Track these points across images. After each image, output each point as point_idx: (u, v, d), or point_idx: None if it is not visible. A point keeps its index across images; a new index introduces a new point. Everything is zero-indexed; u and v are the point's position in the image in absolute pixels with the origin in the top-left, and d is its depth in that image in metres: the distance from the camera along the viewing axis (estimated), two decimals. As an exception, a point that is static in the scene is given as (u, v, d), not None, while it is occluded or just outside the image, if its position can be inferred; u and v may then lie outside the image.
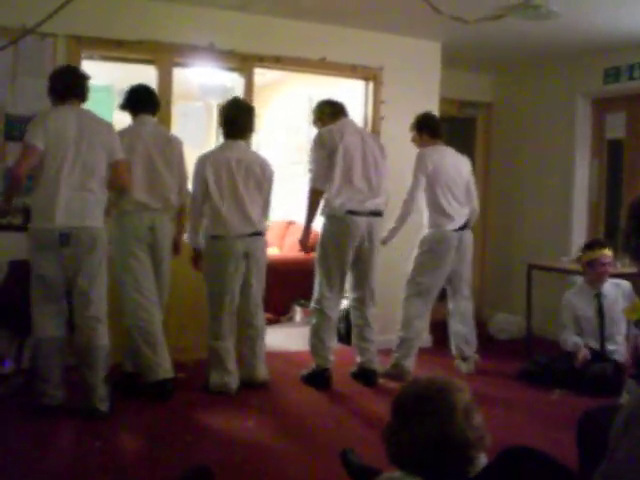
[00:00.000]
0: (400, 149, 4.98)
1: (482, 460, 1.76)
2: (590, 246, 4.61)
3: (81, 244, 3.52)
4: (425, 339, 5.53)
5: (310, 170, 4.38)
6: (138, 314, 3.95)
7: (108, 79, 5.72)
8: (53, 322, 3.57)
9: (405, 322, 4.62)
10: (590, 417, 2.21)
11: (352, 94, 5.59)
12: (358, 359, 4.50)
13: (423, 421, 1.69)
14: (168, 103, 4.69)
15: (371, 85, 5.35)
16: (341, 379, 4.47)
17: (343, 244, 4.29)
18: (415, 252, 4.65)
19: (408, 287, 4.65)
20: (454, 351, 4.80)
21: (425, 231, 4.64)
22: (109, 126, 3.75)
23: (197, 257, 4.18)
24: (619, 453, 1.33)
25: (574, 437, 2.24)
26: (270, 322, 6.01)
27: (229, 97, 4.49)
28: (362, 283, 4.45)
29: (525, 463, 1.75)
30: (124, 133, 3.98)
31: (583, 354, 4.39)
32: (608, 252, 4.47)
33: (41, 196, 3.50)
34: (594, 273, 4.53)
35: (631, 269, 5.03)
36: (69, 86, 3.66)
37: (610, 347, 4.50)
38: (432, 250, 4.57)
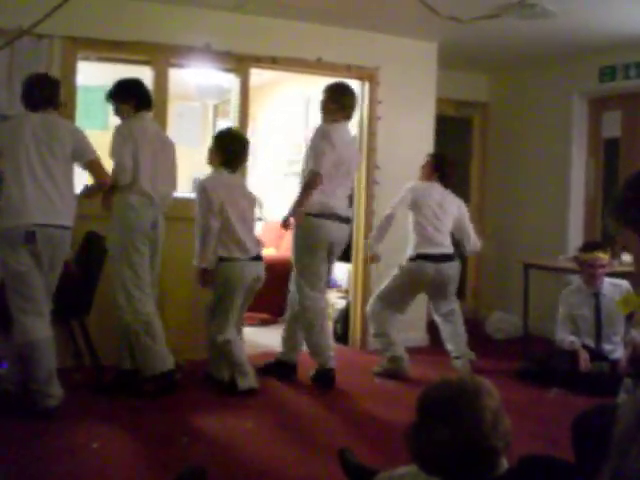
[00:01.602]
0: (396, 149, 4.99)
1: (503, 463, 1.73)
2: (584, 247, 4.61)
3: (47, 242, 3.54)
4: (422, 339, 5.55)
5: (317, 155, 4.28)
6: (139, 309, 3.96)
7: (104, 80, 5.71)
8: (42, 321, 3.56)
9: (378, 327, 4.71)
10: (585, 418, 2.21)
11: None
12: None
13: (449, 426, 1.64)
14: (164, 103, 4.69)
15: (367, 85, 5.35)
16: (339, 379, 4.47)
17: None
18: (394, 272, 4.72)
19: (378, 300, 4.73)
20: (447, 348, 4.82)
21: (407, 255, 4.69)
22: (75, 130, 3.78)
23: (207, 278, 4.11)
24: (635, 449, 1.31)
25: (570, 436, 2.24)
26: (267, 323, 6.04)
27: (225, 129, 4.52)
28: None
29: (545, 472, 1.72)
30: (126, 126, 3.99)
31: (583, 358, 4.39)
32: (602, 255, 4.46)
33: (6, 196, 3.53)
34: (587, 274, 4.54)
35: (630, 268, 5.05)
36: (48, 97, 3.67)
37: (607, 346, 4.50)
38: (409, 280, 4.69)
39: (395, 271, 4.73)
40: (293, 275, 4.48)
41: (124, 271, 3.95)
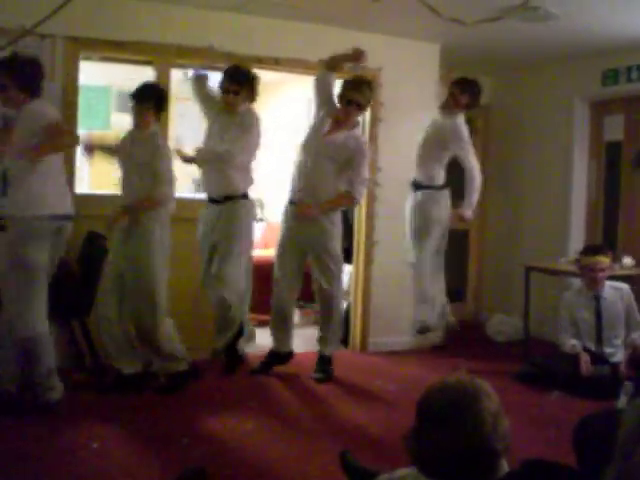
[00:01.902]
0: (398, 151, 4.99)
1: (503, 466, 1.73)
2: (585, 251, 4.61)
3: (63, 233, 3.57)
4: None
5: (364, 181, 4.46)
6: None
7: (106, 80, 5.72)
8: (44, 315, 3.54)
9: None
10: (587, 421, 2.21)
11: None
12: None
13: (449, 429, 1.64)
14: (167, 104, 4.70)
15: (369, 87, 5.34)
16: (340, 381, 4.49)
17: None
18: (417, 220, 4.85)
19: (424, 253, 4.87)
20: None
21: (439, 184, 4.85)
22: None
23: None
24: (638, 451, 1.31)
25: (571, 439, 2.24)
26: (267, 324, 6.02)
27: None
28: None
29: (546, 476, 1.72)
30: (164, 140, 4.13)
31: (584, 361, 4.39)
32: (602, 259, 4.45)
33: (28, 186, 3.40)
34: (588, 278, 4.53)
35: (630, 271, 5.05)
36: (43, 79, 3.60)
37: (608, 350, 4.50)
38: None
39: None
40: (335, 266, 4.46)
41: (160, 290, 4.01)
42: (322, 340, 4.58)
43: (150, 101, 3.99)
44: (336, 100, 4.42)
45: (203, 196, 4.48)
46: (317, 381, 4.44)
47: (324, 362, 4.55)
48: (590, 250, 4.57)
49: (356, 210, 5.39)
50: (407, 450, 1.74)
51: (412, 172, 4.99)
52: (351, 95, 4.31)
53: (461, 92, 4.76)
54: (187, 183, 7.80)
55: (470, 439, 1.63)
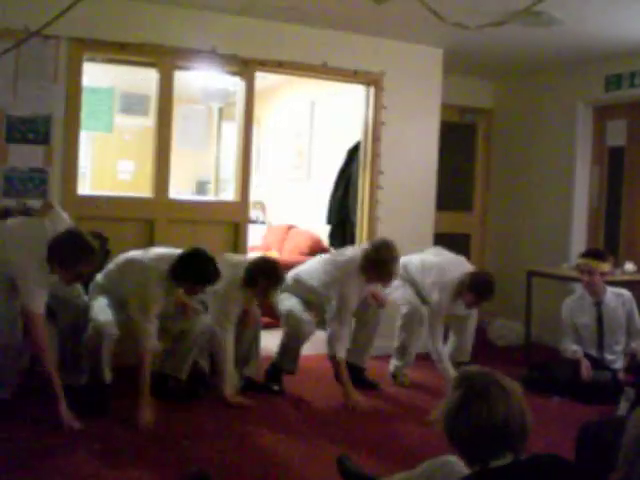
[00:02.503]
0: (400, 155, 5.00)
1: None
2: (584, 254, 4.60)
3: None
4: (424, 344, 5.53)
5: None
6: None
7: (109, 81, 5.72)
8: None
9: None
10: (588, 429, 2.21)
11: (353, 99, 5.60)
12: None
13: (488, 402, 1.68)
14: (170, 106, 4.71)
15: (372, 90, 5.35)
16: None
17: None
18: None
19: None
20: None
21: None
22: None
23: None
24: None
25: (572, 444, 2.23)
26: (270, 326, 6.02)
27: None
28: None
29: (554, 470, 1.74)
30: None
31: (585, 366, 4.39)
32: (598, 264, 4.43)
33: None
34: (582, 280, 4.53)
35: (631, 277, 5.04)
36: None
37: (609, 356, 4.49)
38: None
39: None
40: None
41: None
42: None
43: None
44: None
45: (202, 198, 4.41)
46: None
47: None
48: (589, 254, 4.58)
49: (359, 212, 5.40)
50: (444, 426, 1.75)
51: (414, 178, 4.96)
52: None
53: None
54: (190, 185, 7.82)
55: (507, 414, 1.67)
